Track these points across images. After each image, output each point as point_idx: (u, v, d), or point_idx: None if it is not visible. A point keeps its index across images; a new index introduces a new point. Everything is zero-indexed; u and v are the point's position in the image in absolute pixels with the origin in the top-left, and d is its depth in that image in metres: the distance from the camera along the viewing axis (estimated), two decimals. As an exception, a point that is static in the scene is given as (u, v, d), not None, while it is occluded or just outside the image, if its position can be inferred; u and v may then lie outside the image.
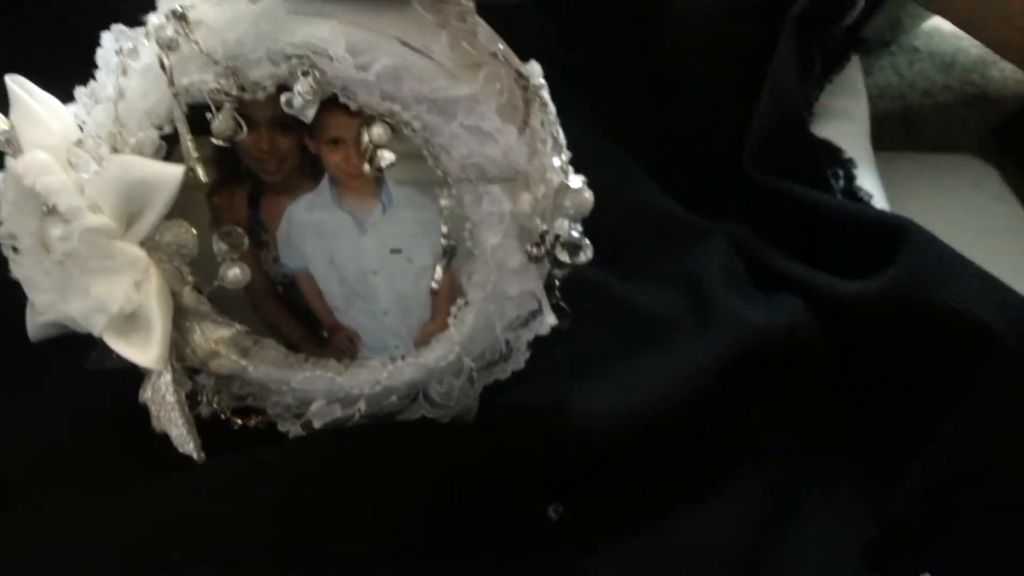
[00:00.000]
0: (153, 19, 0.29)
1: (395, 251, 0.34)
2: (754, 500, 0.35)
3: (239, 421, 0.35)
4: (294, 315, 0.36)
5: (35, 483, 0.35)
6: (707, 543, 0.35)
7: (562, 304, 0.33)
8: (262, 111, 0.30)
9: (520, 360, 0.35)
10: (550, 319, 0.32)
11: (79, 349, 0.33)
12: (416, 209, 0.33)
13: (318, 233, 0.34)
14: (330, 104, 0.30)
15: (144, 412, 0.32)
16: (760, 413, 0.37)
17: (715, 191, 0.31)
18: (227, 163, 0.32)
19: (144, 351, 0.30)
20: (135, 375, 0.33)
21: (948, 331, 0.35)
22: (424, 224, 0.33)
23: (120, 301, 0.30)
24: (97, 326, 0.30)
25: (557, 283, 0.32)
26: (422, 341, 0.35)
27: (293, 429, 0.35)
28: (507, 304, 0.32)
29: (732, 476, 0.35)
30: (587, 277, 0.35)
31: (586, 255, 0.31)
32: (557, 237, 0.31)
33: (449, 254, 0.31)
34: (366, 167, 0.30)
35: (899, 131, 0.60)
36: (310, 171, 0.33)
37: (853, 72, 0.53)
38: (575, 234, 0.31)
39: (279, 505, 0.33)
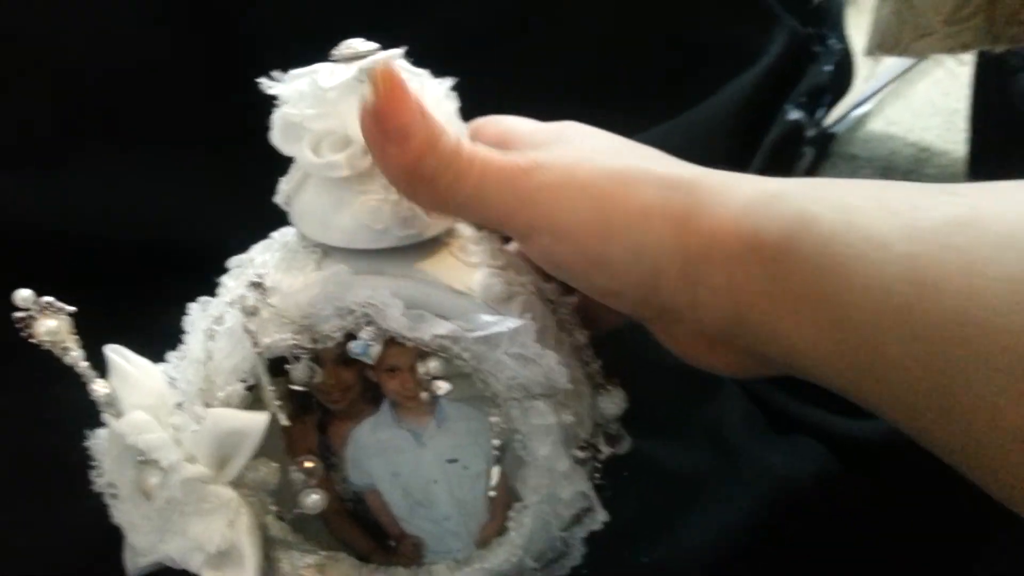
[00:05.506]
0: (230, 283, 0.34)
1: (452, 460, 0.37)
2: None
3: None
4: (364, 529, 0.39)
5: None
6: None
7: (603, 482, 0.36)
8: (328, 352, 0.35)
9: (577, 556, 0.37)
10: (602, 515, 0.35)
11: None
12: (468, 421, 0.37)
13: (382, 451, 0.37)
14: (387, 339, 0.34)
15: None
16: (799, 565, 0.38)
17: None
18: (299, 398, 0.36)
19: (238, 583, 0.33)
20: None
21: None
22: (475, 434, 0.37)
23: (216, 540, 0.33)
24: (195, 564, 0.33)
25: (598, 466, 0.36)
26: (483, 542, 0.38)
27: (368, 641, 0.37)
28: (560, 505, 0.35)
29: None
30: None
31: (625, 445, 0.34)
32: (599, 432, 0.35)
33: (500, 462, 0.35)
34: (424, 395, 0.34)
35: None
36: (371, 397, 0.37)
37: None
38: (613, 428, 0.35)
39: None
